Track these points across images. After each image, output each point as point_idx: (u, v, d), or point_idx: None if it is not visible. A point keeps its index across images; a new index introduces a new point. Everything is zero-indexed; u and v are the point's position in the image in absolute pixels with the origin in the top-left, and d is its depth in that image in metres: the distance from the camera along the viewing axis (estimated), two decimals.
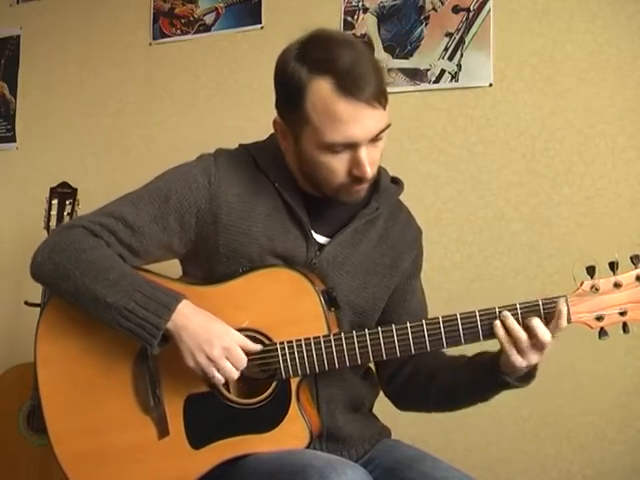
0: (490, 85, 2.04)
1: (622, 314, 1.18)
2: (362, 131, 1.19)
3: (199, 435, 1.26)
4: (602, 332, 1.19)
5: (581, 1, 1.97)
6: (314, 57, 1.20)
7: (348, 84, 1.16)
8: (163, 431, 1.26)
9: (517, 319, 1.18)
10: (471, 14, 2.06)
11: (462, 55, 2.06)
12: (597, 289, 1.17)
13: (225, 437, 1.25)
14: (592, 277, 1.17)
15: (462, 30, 2.07)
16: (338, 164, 1.22)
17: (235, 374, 1.21)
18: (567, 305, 1.16)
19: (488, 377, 1.27)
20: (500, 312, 1.18)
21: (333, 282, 1.31)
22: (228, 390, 1.27)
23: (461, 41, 2.07)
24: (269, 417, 1.25)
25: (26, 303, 2.19)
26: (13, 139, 2.67)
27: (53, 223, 2.15)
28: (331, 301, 1.26)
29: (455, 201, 2.07)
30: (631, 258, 1.16)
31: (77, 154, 2.57)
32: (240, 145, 1.40)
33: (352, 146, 1.20)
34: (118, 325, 1.21)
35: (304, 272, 1.26)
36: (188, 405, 1.27)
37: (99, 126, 2.55)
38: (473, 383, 1.31)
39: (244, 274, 1.28)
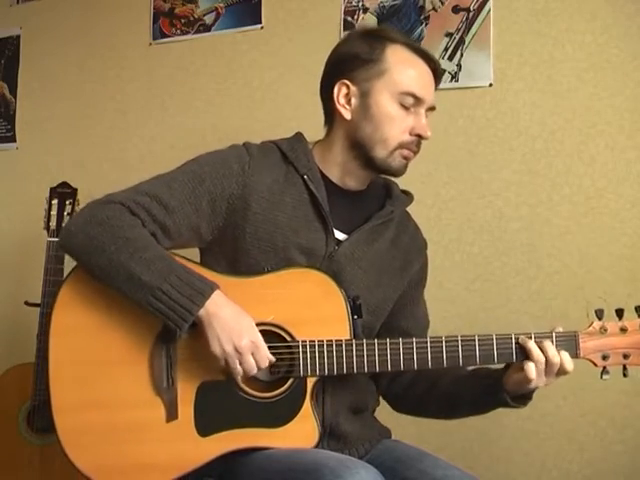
0: (490, 85, 2.04)
1: (625, 357, 1.26)
2: (429, 93, 1.37)
3: (208, 422, 1.26)
4: (604, 371, 1.27)
5: (581, 1, 1.97)
6: (381, 34, 1.39)
7: (420, 52, 1.38)
8: (172, 414, 1.26)
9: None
10: (471, 14, 2.06)
11: (462, 55, 2.06)
12: (605, 330, 1.26)
13: (234, 428, 1.25)
14: (600, 319, 1.26)
15: (462, 30, 2.07)
16: (403, 120, 1.35)
17: (255, 370, 1.22)
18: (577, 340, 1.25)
19: (489, 393, 1.30)
20: (518, 338, 1.25)
21: (348, 277, 1.33)
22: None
23: (461, 41, 2.07)
24: (282, 413, 1.25)
25: (26, 303, 2.19)
26: (13, 139, 2.66)
27: (53, 223, 2.14)
28: (356, 309, 1.27)
29: (455, 201, 2.07)
30: (635, 308, 1.25)
31: (77, 154, 2.56)
32: (264, 141, 1.42)
33: (419, 103, 1.35)
34: (148, 304, 1.20)
35: (333, 276, 1.29)
36: (201, 391, 1.27)
37: (99, 126, 2.55)
38: (474, 396, 1.33)
39: (273, 272, 1.29)
